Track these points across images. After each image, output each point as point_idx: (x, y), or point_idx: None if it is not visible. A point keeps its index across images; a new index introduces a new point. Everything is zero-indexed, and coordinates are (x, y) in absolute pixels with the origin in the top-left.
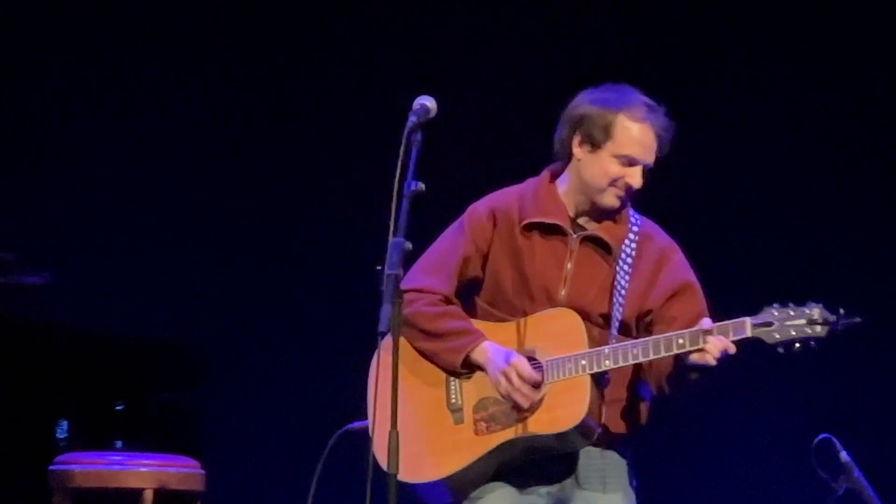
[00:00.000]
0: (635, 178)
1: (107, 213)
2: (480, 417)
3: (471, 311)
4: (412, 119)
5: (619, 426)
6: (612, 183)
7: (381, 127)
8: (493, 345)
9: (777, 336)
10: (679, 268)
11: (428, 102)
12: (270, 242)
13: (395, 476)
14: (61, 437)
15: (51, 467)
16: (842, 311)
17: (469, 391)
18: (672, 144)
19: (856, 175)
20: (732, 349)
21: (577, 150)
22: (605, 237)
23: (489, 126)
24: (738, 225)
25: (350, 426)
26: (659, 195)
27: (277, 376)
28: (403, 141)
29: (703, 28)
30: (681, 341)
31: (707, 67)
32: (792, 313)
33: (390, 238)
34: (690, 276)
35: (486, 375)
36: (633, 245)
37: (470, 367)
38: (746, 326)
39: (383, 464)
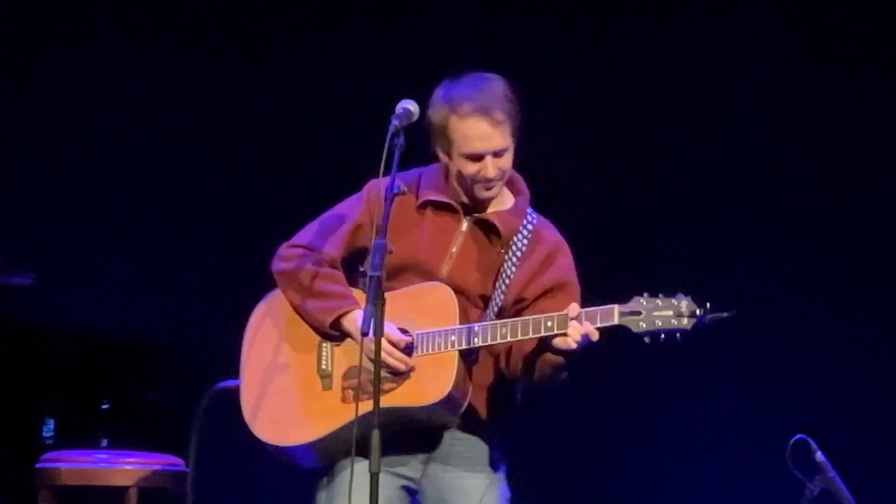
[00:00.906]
0: (487, 169)
1: (92, 215)
2: (349, 385)
3: (354, 280)
4: (395, 122)
5: (484, 412)
6: (473, 180)
7: (364, 130)
8: (363, 313)
9: (643, 325)
10: (563, 268)
11: (410, 106)
12: (255, 243)
13: (378, 474)
14: (48, 435)
15: (37, 465)
16: (708, 304)
17: (339, 358)
18: (524, 111)
19: (746, 170)
20: (595, 335)
21: (442, 157)
22: (498, 223)
23: None
24: (623, 216)
25: (221, 385)
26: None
27: None
28: (386, 144)
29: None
30: (549, 324)
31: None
32: (660, 304)
33: (373, 240)
34: (572, 277)
35: (356, 343)
36: (526, 241)
37: (339, 332)
38: (614, 313)
39: (251, 426)
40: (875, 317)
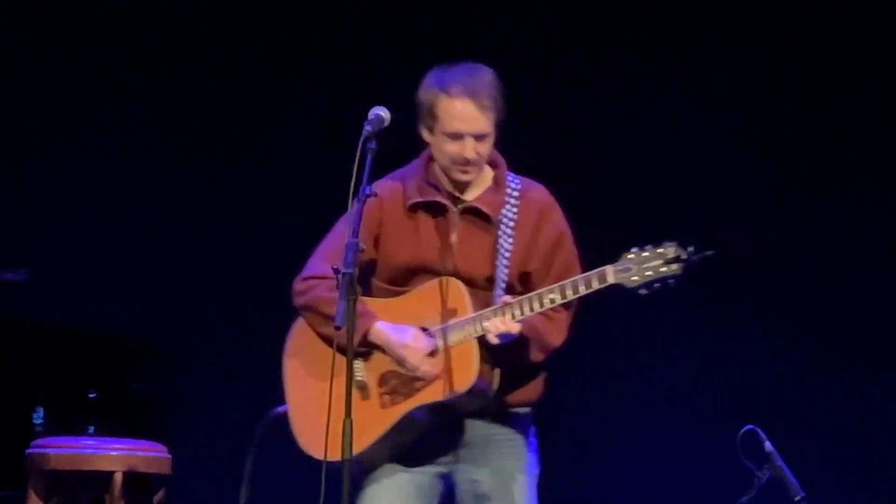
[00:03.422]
0: (465, 150)
1: (83, 215)
2: (384, 391)
3: (369, 291)
4: (367, 128)
5: (513, 393)
6: (452, 160)
7: (338, 136)
8: (386, 324)
9: (636, 279)
10: (555, 225)
11: (382, 112)
12: (235, 242)
13: (349, 462)
14: (38, 422)
15: (27, 451)
16: (691, 248)
17: (373, 367)
18: (506, 104)
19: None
20: (515, 329)
21: (426, 136)
22: (483, 207)
23: None
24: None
25: (276, 410)
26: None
27: (241, 368)
28: (359, 149)
29: None
30: (551, 296)
31: None
32: (647, 255)
33: (347, 239)
34: (563, 230)
35: (383, 353)
36: (515, 209)
37: (368, 347)
38: (608, 274)
39: (305, 447)
40: (824, 312)
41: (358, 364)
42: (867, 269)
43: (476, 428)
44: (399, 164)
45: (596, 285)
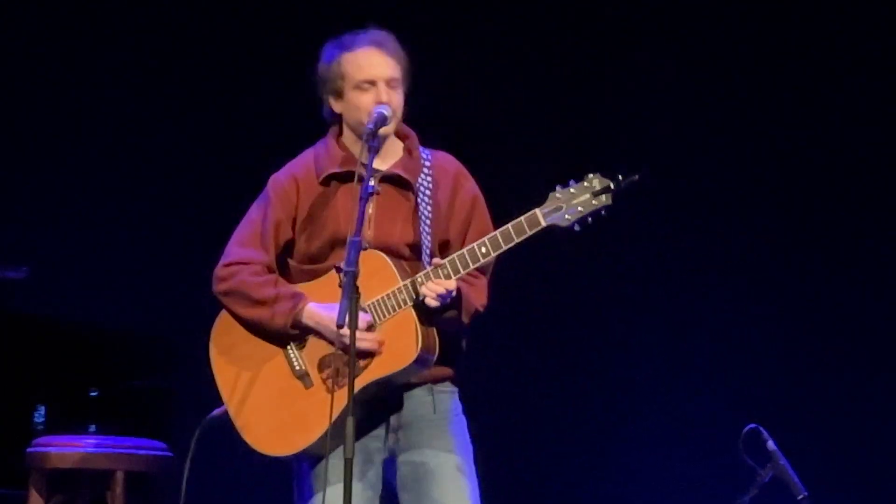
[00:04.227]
0: (381, 94)
1: (84, 212)
2: (327, 375)
3: (285, 274)
4: (369, 126)
5: (444, 364)
6: (369, 113)
7: None
8: (318, 305)
9: (568, 217)
10: (469, 190)
11: (385, 110)
12: None
13: (350, 460)
14: (39, 421)
15: (28, 449)
16: (620, 176)
17: (308, 354)
18: (411, 62)
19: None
20: (452, 286)
21: (335, 106)
22: (402, 173)
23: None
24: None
25: (211, 415)
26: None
27: None
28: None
29: None
30: (483, 249)
31: None
32: (573, 191)
33: (349, 237)
34: (476, 192)
35: (317, 336)
36: (429, 178)
37: (300, 330)
38: (538, 217)
39: (254, 444)
40: (827, 310)
41: (293, 352)
42: (870, 267)
43: (410, 409)
44: None
45: (528, 231)
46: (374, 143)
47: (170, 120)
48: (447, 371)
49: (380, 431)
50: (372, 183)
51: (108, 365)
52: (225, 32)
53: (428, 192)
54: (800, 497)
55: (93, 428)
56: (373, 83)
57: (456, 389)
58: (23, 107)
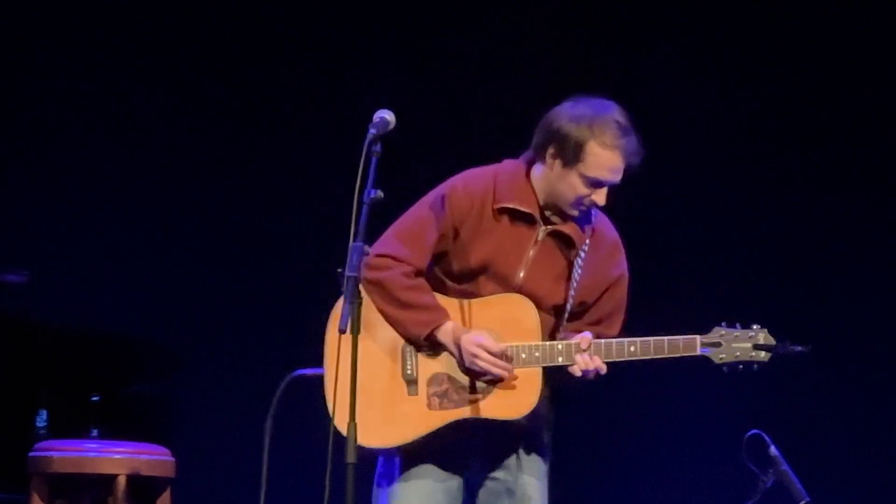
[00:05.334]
0: (601, 198)
1: (84, 216)
2: (434, 392)
3: (430, 281)
4: (372, 131)
5: (544, 411)
6: (578, 201)
7: (343, 139)
8: (456, 325)
9: (723, 357)
10: (619, 264)
11: (387, 115)
12: (237, 245)
13: (352, 465)
14: (40, 425)
15: (30, 454)
16: (788, 342)
17: (425, 365)
18: (640, 164)
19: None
20: (603, 370)
21: (550, 161)
22: (570, 233)
23: (445, 138)
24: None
25: (301, 371)
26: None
27: (244, 370)
28: (364, 151)
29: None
30: (632, 349)
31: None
32: (737, 335)
33: (351, 242)
34: (624, 270)
35: (442, 353)
36: (588, 240)
37: (431, 342)
38: (696, 344)
39: (336, 421)
40: (829, 315)
41: (411, 356)
42: (874, 271)
43: (498, 429)
44: (403, 166)
45: (681, 352)
46: (376, 148)
47: (172, 125)
48: (548, 413)
49: (468, 451)
50: (541, 233)
51: (109, 369)
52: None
53: (583, 255)
54: (802, 502)
55: (95, 432)
56: (600, 185)
57: (547, 416)
58: (24, 109)
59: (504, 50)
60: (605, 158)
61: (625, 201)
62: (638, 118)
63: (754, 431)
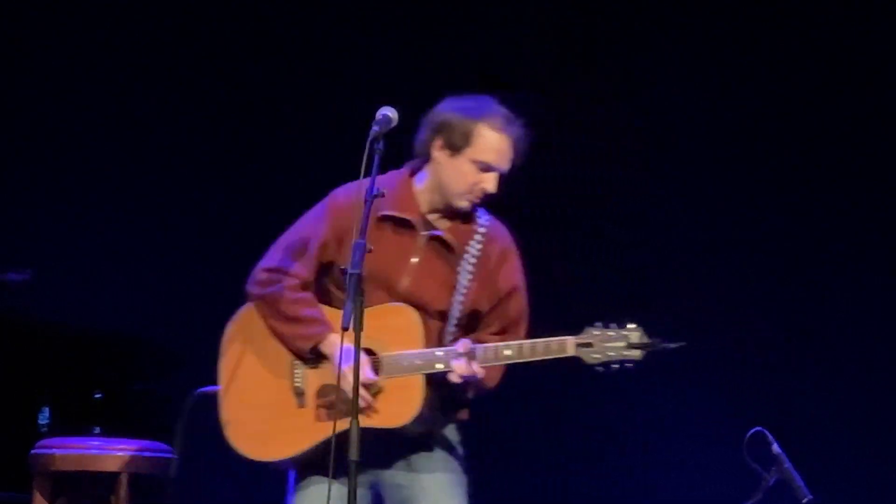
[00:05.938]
0: (491, 183)
1: (87, 215)
2: (321, 404)
3: (320, 292)
4: (375, 129)
5: (448, 413)
6: (470, 187)
7: (345, 136)
8: (336, 340)
9: (596, 357)
10: (512, 272)
11: (390, 113)
12: (237, 246)
13: (356, 462)
14: (43, 423)
15: (33, 451)
16: (660, 339)
17: (312, 377)
18: (526, 154)
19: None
20: (481, 375)
21: (437, 154)
22: (450, 239)
23: None
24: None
25: (203, 390)
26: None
27: None
28: (367, 149)
29: None
30: (507, 351)
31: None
32: (611, 335)
33: (354, 240)
34: (518, 281)
35: (329, 365)
36: (479, 245)
37: (316, 355)
38: (567, 346)
39: (229, 437)
40: (832, 314)
41: (299, 369)
42: (877, 272)
43: (386, 435)
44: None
45: (554, 354)
46: (378, 146)
47: (172, 125)
48: (455, 415)
49: (369, 459)
50: (422, 239)
51: (112, 367)
52: (231, 36)
53: (473, 260)
54: (804, 501)
55: (97, 430)
56: (491, 170)
57: (456, 426)
58: (26, 109)
59: (504, 49)
60: (494, 140)
61: (625, 201)
62: (638, 118)
63: (757, 429)
